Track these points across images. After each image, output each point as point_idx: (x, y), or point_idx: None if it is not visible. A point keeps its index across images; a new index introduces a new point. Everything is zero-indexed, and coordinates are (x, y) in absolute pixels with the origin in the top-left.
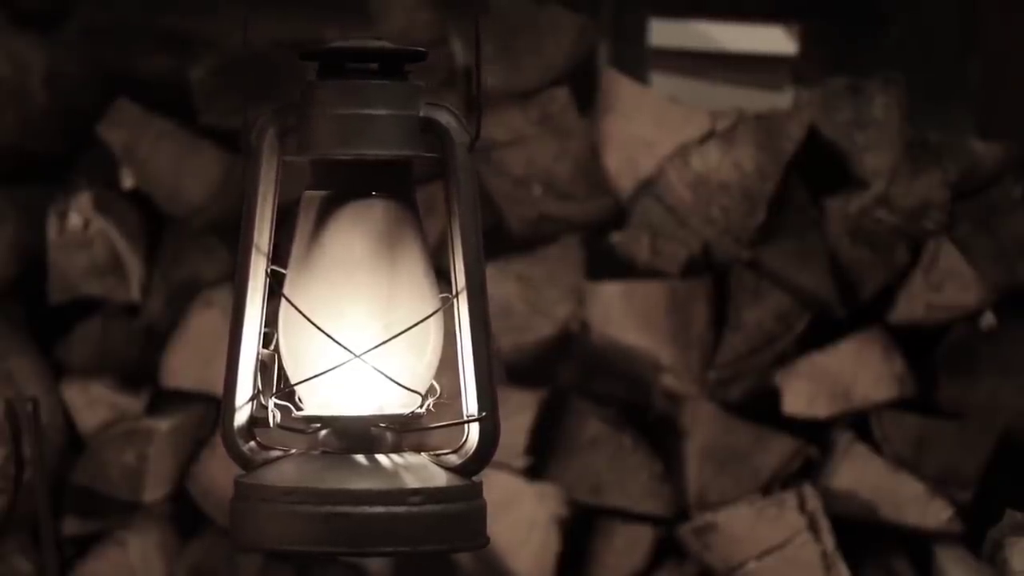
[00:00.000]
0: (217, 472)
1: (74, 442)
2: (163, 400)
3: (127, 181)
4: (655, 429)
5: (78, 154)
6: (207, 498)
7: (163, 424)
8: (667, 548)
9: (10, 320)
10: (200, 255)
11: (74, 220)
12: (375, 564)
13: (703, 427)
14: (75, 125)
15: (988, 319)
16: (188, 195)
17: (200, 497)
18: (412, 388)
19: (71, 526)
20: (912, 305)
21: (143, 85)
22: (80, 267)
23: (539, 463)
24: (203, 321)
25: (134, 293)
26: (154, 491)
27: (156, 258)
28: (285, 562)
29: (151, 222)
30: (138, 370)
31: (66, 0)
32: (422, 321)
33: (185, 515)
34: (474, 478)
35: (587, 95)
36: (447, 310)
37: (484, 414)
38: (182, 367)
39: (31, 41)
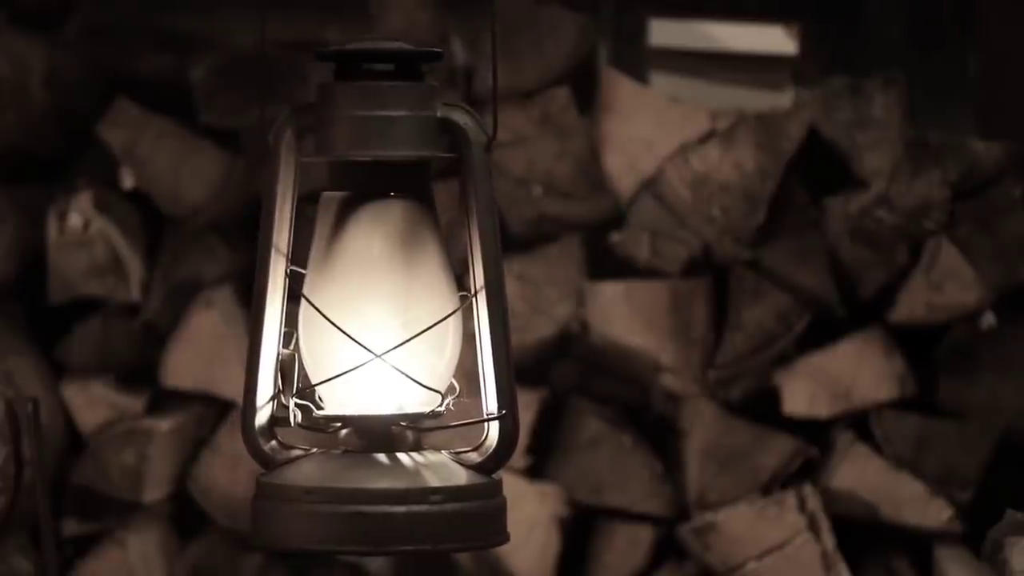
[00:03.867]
0: (217, 472)
1: (74, 442)
2: (163, 400)
3: (127, 181)
4: (655, 429)
5: (78, 154)
6: (207, 498)
7: (163, 424)
8: (667, 548)
9: (10, 320)
10: (200, 255)
11: (74, 220)
12: (375, 564)
13: (703, 427)
14: (75, 125)
15: (988, 319)
16: (188, 195)
17: (200, 497)
18: (432, 387)
19: (71, 526)
20: (912, 305)
21: (143, 85)
22: (80, 267)
23: (539, 463)
24: (203, 321)
25: (134, 293)
26: (154, 491)
27: (156, 258)
28: (285, 562)
29: (151, 222)
30: (138, 370)
31: (66, 0)
32: (442, 320)
33: (185, 515)
34: (493, 476)
35: (587, 95)
36: (466, 309)
37: (504, 412)
38: (182, 367)
39: (31, 41)
